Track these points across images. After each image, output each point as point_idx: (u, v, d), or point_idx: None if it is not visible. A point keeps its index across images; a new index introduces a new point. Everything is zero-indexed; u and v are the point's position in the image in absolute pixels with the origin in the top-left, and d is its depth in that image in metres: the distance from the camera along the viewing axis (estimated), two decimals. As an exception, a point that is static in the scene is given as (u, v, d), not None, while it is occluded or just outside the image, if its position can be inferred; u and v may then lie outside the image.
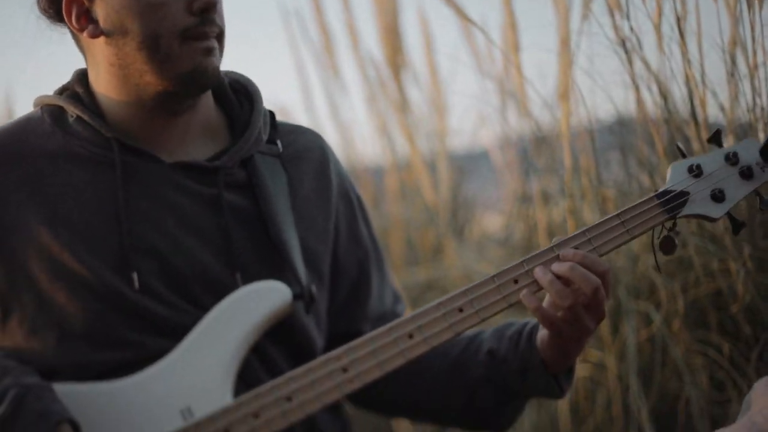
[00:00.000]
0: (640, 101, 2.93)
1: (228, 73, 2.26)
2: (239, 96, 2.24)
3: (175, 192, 2.08)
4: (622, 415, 3.06)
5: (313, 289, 2.10)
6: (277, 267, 2.10)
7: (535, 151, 3.38)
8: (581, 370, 3.14)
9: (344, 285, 2.26)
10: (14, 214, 2.04)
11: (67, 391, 1.96)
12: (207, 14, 2.05)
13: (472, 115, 3.73)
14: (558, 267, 1.98)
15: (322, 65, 4.18)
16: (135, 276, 2.02)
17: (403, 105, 3.90)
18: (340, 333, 2.21)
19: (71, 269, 2.02)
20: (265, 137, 2.20)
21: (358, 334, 2.12)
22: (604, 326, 3.09)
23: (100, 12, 2.06)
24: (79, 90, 2.14)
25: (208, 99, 2.17)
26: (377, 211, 4.05)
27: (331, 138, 4.34)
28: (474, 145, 3.90)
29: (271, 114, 2.25)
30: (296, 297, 2.06)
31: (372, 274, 2.31)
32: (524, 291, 1.99)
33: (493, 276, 2.01)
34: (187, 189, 2.08)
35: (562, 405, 3.18)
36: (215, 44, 2.08)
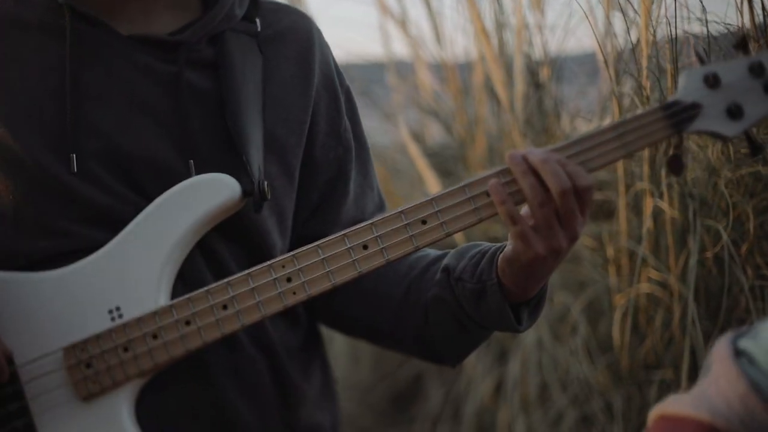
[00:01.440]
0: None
1: None
2: None
3: (129, 68, 1.88)
4: (680, 337, 2.83)
5: (266, 185, 1.88)
6: (233, 158, 1.89)
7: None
8: (643, 287, 2.91)
9: (318, 183, 2.03)
10: None
11: None
12: None
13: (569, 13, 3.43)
14: (532, 156, 1.74)
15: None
16: (73, 157, 1.83)
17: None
18: (308, 236, 1.97)
19: (5, 145, 1.85)
20: (240, 13, 1.99)
21: None
22: (670, 243, 2.84)
23: None
24: None
25: None
26: (463, 109, 3.85)
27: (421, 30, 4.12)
28: (571, 46, 3.62)
29: None
30: (247, 193, 1.86)
31: (350, 174, 2.07)
32: (492, 180, 1.75)
33: (464, 185, 1.78)
34: (144, 65, 1.89)
35: (620, 320, 2.96)
36: None
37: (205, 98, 1.91)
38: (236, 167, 1.87)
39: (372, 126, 4.20)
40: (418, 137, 4.17)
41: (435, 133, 4.37)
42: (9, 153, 1.84)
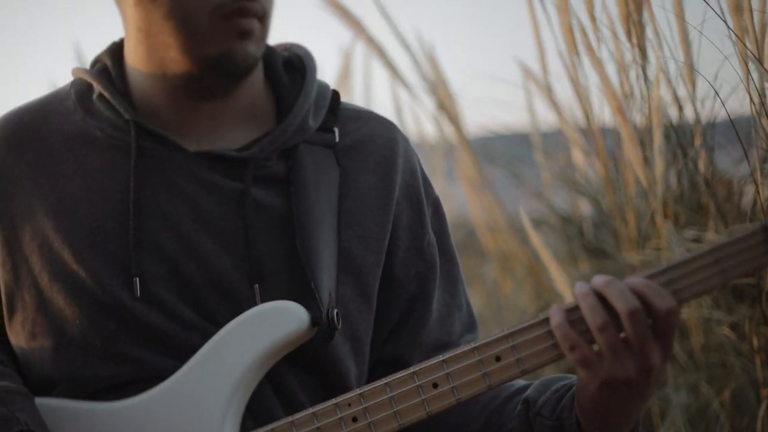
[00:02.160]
0: None
1: (291, 47, 1.97)
2: (296, 75, 1.93)
3: (195, 186, 1.81)
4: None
5: (335, 314, 1.77)
6: (302, 282, 1.79)
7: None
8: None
9: (397, 302, 1.90)
10: (24, 202, 1.85)
11: (52, 405, 1.79)
12: None
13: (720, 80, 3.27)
14: (597, 280, 1.63)
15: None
16: (136, 281, 1.77)
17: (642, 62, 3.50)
18: (387, 359, 1.87)
19: (71, 268, 1.80)
20: (315, 124, 1.89)
21: (407, 363, 1.78)
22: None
23: None
24: (108, 62, 1.90)
25: (254, 80, 1.88)
26: (611, 184, 3.72)
27: (564, 99, 4.01)
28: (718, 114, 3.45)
29: (334, 96, 1.94)
30: (315, 322, 1.76)
31: (433, 292, 1.92)
32: (554, 307, 1.64)
33: (542, 319, 1.66)
34: (210, 183, 1.81)
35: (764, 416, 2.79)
36: (254, 26, 1.78)
37: (273, 217, 1.82)
38: (305, 293, 1.77)
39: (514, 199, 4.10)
40: (565, 217, 4.05)
41: (585, 207, 4.24)
42: (74, 276, 1.80)
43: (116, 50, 1.90)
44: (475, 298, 4.55)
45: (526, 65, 4.08)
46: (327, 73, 5.32)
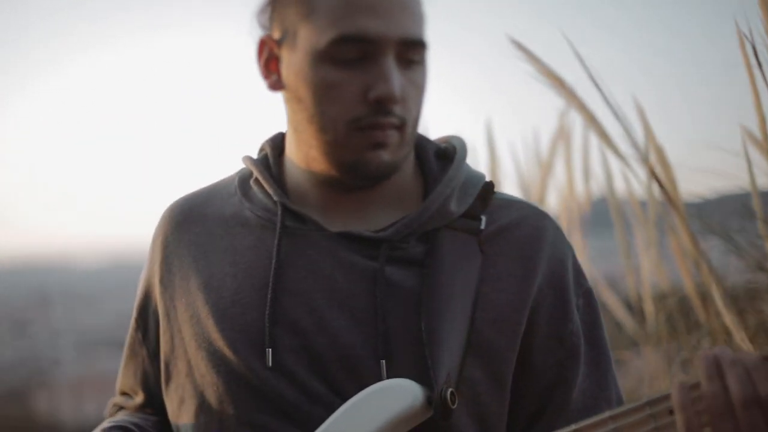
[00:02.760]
0: None
1: (450, 138, 2.04)
2: (446, 163, 2.00)
3: (333, 264, 1.88)
4: None
5: (449, 394, 1.78)
6: (424, 361, 1.82)
7: None
8: None
9: (536, 390, 1.91)
10: (183, 277, 1.98)
11: None
12: (383, 106, 1.82)
13: None
14: (725, 356, 1.60)
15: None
16: (269, 352, 1.84)
17: None
18: None
19: (212, 337, 1.90)
20: (458, 210, 1.93)
21: None
22: None
23: (284, 65, 1.91)
24: (268, 150, 2.03)
25: (403, 169, 1.95)
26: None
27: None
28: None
29: (487, 185, 1.98)
30: (431, 400, 1.79)
31: (573, 381, 1.91)
32: (677, 394, 1.61)
33: (647, 402, 1.66)
34: (347, 261, 1.88)
35: None
36: (390, 138, 1.84)
37: (405, 296, 1.86)
38: (426, 371, 1.81)
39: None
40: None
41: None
42: (214, 345, 1.90)
43: (278, 139, 2.03)
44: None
45: (748, 129, 3.99)
46: (543, 138, 5.33)
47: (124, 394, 2.15)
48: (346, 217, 1.93)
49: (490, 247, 1.92)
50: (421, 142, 2.03)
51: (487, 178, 2.02)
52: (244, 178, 2.04)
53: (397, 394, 1.79)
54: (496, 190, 2.01)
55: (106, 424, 2.04)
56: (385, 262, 1.88)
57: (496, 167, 5.42)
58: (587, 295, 1.97)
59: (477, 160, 5.23)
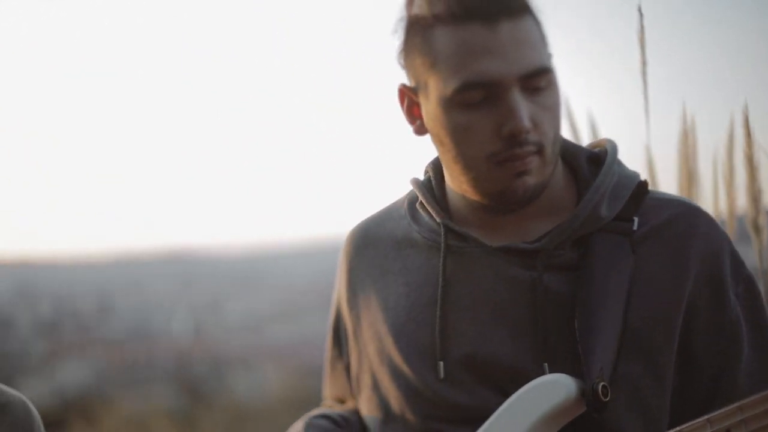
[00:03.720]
0: None
1: (603, 142, 2.12)
2: (599, 168, 2.06)
3: (494, 277, 2.00)
4: None
5: (600, 387, 1.86)
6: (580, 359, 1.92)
7: None
8: None
9: (701, 381, 1.97)
10: (365, 296, 2.13)
11: None
12: (516, 138, 1.91)
13: None
14: None
15: None
16: (441, 364, 1.99)
17: None
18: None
19: (391, 354, 2.05)
20: (609, 214, 2.00)
21: None
22: None
23: (424, 112, 2.01)
24: (431, 173, 2.14)
25: (553, 182, 2.02)
26: None
27: None
28: None
29: (640, 186, 2.03)
30: (585, 394, 1.88)
31: (737, 368, 1.96)
32: None
33: None
34: (507, 273, 1.99)
35: None
36: (530, 164, 1.93)
37: (563, 302, 1.96)
38: (581, 370, 1.90)
39: None
40: None
41: None
42: (393, 360, 2.05)
43: (438, 162, 2.13)
44: None
45: None
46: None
47: (333, 399, 2.31)
48: (504, 231, 2.02)
49: (642, 248, 1.98)
50: (572, 150, 2.09)
51: (642, 178, 2.06)
52: (412, 201, 2.15)
53: (553, 388, 1.89)
54: (650, 189, 2.05)
55: (315, 412, 2.22)
56: (543, 270, 1.97)
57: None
58: (747, 281, 2.00)
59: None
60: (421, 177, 2.18)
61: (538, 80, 1.93)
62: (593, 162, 2.08)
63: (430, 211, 2.09)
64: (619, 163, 2.08)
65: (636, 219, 2.00)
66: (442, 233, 2.05)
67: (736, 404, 1.78)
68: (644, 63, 2.97)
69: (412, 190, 2.17)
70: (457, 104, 1.93)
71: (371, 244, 2.16)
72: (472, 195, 2.02)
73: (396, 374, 2.05)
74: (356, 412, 2.21)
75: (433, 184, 2.12)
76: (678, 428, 1.83)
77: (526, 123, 1.90)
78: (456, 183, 2.04)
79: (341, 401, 2.28)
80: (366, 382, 2.13)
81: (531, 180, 1.94)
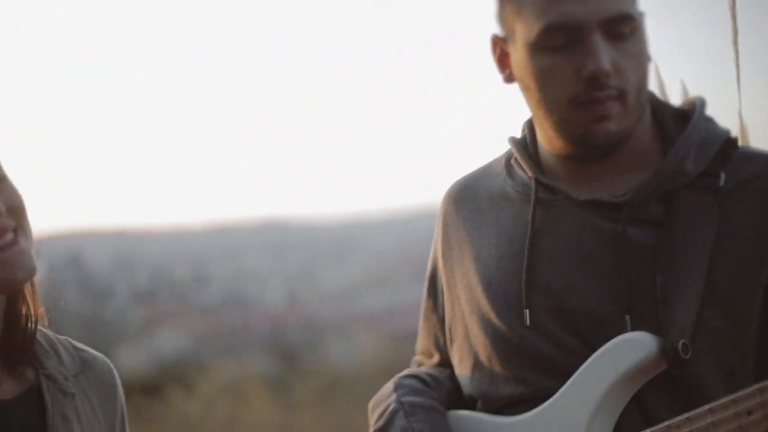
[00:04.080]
0: None
1: (693, 99, 2.13)
2: (686, 124, 2.08)
3: (580, 230, 2.05)
4: None
5: (680, 345, 1.90)
6: (665, 313, 1.96)
7: None
8: None
9: None
10: (459, 249, 2.20)
11: (463, 416, 2.14)
12: (597, 81, 1.96)
13: None
14: None
15: None
16: (527, 313, 2.05)
17: None
18: None
19: (481, 303, 2.12)
20: (695, 169, 2.03)
21: None
22: None
23: (512, 60, 2.08)
24: (526, 131, 2.21)
25: (639, 134, 2.06)
26: None
27: None
28: None
29: (728, 142, 2.05)
30: (666, 352, 1.92)
31: None
32: None
33: None
34: (592, 226, 2.04)
35: None
36: (610, 109, 1.98)
37: (646, 255, 2.00)
38: (662, 325, 1.95)
39: None
40: None
41: None
42: (483, 309, 2.12)
43: (532, 121, 2.19)
44: None
45: None
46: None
47: (422, 353, 2.38)
48: (591, 185, 2.07)
49: (729, 202, 2.00)
50: (658, 106, 2.12)
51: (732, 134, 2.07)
52: (508, 158, 2.22)
53: (633, 346, 1.94)
54: (739, 145, 2.07)
55: (404, 372, 2.28)
56: (627, 224, 2.01)
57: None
58: None
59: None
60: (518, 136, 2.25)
61: (622, 26, 1.97)
62: (681, 118, 2.10)
63: (523, 165, 2.15)
64: (708, 120, 2.10)
65: (723, 174, 2.02)
66: (533, 186, 2.11)
67: (757, 386, 1.81)
68: (736, 32, 2.96)
69: (510, 149, 2.23)
70: (541, 48, 1.99)
71: (467, 199, 2.23)
72: (557, 143, 2.07)
73: (485, 323, 2.11)
74: (444, 369, 2.27)
75: (527, 141, 2.18)
76: (707, 406, 1.86)
77: (606, 65, 1.95)
78: (542, 132, 2.10)
79: (430, 355, 2.33)
80: (458, 332, 2.19)
81: (612, 126, 1.99)
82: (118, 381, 2.13)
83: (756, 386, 1.84)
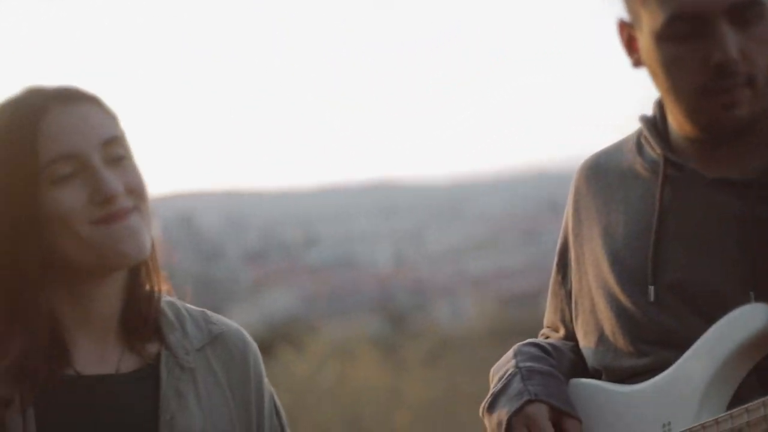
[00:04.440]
0: None
1: None
2: None
3: (707, 207, 2.04)
4: None
5: None
6: None
7: None
8: None
9: None
10: (589, 225, 2.21)
11: (583, 383, 2.15)
12: (724, 70, 1.95)
13: None
14: None
15: None
16: (651, 289, 2.05)
17: None
18: None
19: (607, 279, 2.13)
20: None
21: None
22: None
23: (640, 46, 2.08)
24: (656, 109, 2.18)
25: None
26: None
27: None
28: None
29: None
30: None
31: None
32: None
33: None
34: (719, 204, 2.03)
35: None
36: (739, 96, 1.95)
37: None
38: None
39: None
40: None
41: None
42: (608, 283, 2.12)
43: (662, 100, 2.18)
44: None
45: None
46: None
47: (548, 327, 2.38)
48: (720, 163, 2.05)
49: None
50: None
51: None
52: (639, 136, 2.21)
53: (753, 316, 1.93)
54: None
55: (525, 341, 2.27)
56: (756, 202, 2.00)
57: None
58: None
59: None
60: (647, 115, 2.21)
61: (747, 12, 1.96)
62: None
63: (652, 143, 2.15)
64: None
65: None
66: (661, 164, 2.11)
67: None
68: None
69: (640, 126, 2.23)
70: (667, 37, 1.98)
71: (599, 174, 2.23)
72: (686, 126, 2.07)
73: (610, 298, 2.12)
74: (567, 342, 2.29)
75: (657, 120, 2.18)
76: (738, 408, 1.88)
77: (734, 54, 1.94)
78: (672, 115, 2.10)
79: (556, 329, 2.34)
80: (584, 306, 2.20)
81: (741, 112, 1.98)
82: (253, 354, 2.07)
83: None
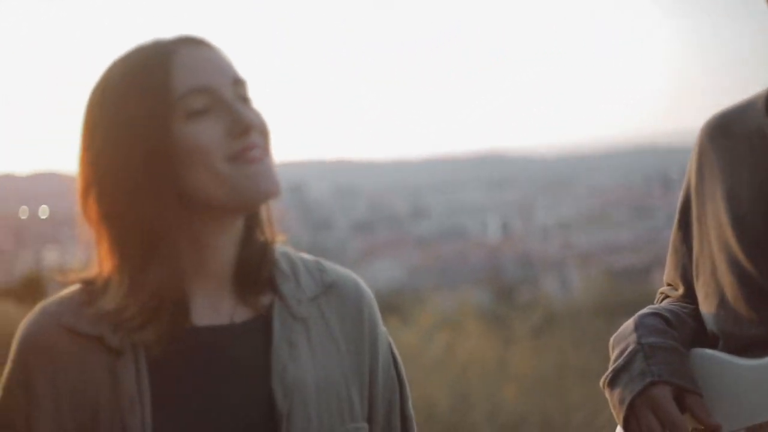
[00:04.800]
0: None
1: None
2: None
3: None
4: None
5: None
6: None
7: None
8: None
9: None
10: (711, 183, 2.15)
11: (705, 354, 2.09)
12: None
13: None
14: None
15: None
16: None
17: None
18: None
19: (730, 243, 2.07)
20: None
21: None
22: None
23: None
24: None
25: None
26: None
27: None
28: None
29: None
30: None
31: None
32: None
33: None
34: None
35: None
36: None
37: None
38: None
39: None
40: None
41: None
42: (730, 249, 2.07)
43: None
44: None
45: None
46: None
47: (668, 285, 2.33)
48: None
49: None
50: None
51: None
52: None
53: None
54: None
55: (646, 310, 2.22)
56: None
57: None
58: None
59: None
60: None
61: None
62: None
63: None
64: None
65: None
66: None
67: None
68: None
69: None
70: None
71: (724, 134, 2.17)
72: None
73: (732, 262, 2.07)
74: (687, 305, 2.23)
75: None
76: None
77: None
78: None
79: (676, 287, 2.29)
80: (705, 267, 2.15)
81: None
82: (368, 303, 2.04)
83: None
